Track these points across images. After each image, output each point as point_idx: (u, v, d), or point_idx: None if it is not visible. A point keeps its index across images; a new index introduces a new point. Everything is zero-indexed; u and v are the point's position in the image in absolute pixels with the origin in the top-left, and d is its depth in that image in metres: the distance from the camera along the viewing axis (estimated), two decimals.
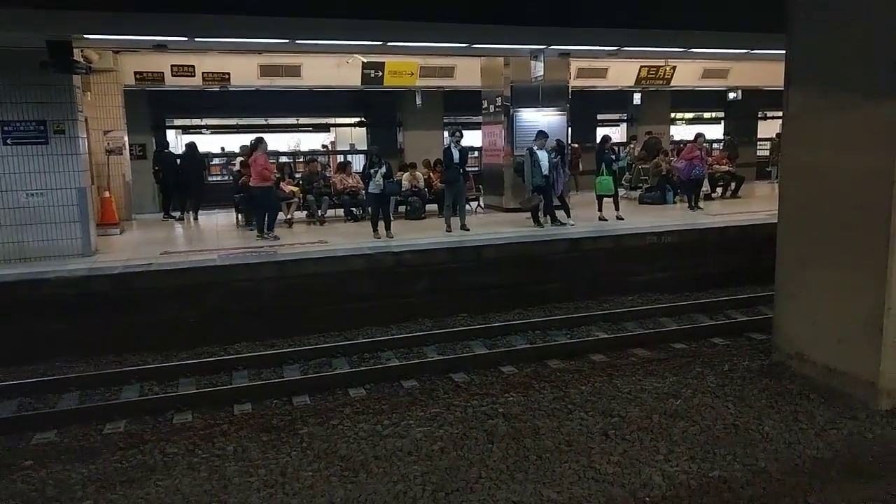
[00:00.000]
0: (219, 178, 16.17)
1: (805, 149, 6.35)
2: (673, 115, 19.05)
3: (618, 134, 18.91)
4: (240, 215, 11.95)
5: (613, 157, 12.29)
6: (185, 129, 16.22)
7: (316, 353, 7.62)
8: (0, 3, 6.39)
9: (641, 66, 15.57)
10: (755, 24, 8.14)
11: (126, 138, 12.88)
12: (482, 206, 13.49)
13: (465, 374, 7.00)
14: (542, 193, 11.05)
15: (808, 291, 6.34)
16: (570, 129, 13.35)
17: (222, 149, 16.65)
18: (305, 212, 12.22)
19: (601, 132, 16.07)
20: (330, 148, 17.51)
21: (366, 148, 15.37)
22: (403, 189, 12.31)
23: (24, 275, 8.06)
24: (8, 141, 8.86)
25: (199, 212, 13.17)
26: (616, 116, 19.25)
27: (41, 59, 8.28)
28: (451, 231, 10.63)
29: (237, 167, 13.06)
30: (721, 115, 20.00)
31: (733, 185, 14.70)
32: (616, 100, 17.54)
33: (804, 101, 6.34)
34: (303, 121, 17.11)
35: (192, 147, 13.11)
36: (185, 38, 9.89)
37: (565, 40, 10.33)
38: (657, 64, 15.54)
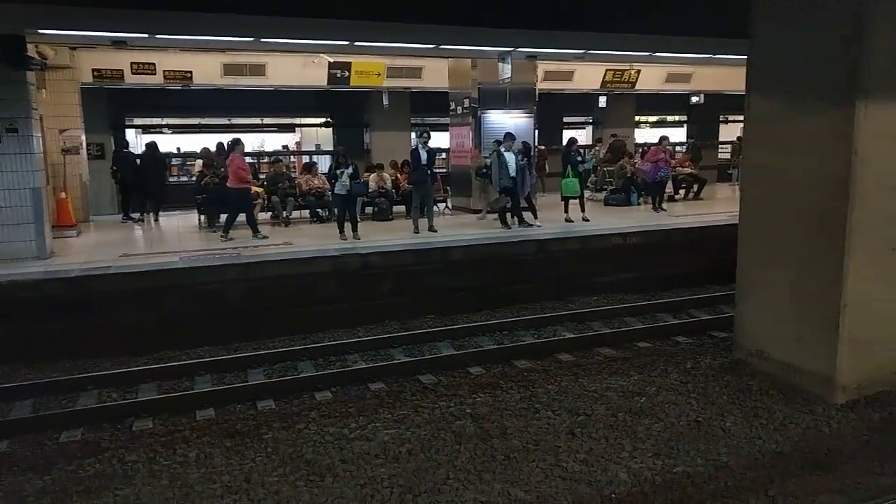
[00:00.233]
0: (178, 179, 15.81)
1: (765, 152, 6.51)
2: (637, 118, 19.37)
3: (584, 136, 19.14)
4: (202, 216, 11.72)
5: (579, 159, 12.45)
6: (146, 129, 15.86)
7: (281, 357, 7.51)
8: None
9: (607, 70, 15.79)
10: (720, 30, 8.32)
11: (83, 137, 12.52)
12: (450, 207, 13.49)
13: (432, 375, 6.98)
14: (509, 195, 11.11)
15: (768, 290, 6.50)
16: (536, 131, 13.46)
17: (178, 149, 16.27)
18: (270, 213, 12.05)
19: (567, 135, 16.23)
20: (291, 148, 17.25)
21: (332, 148, 15.24)
22: (370, 190, 12.23)
23: None
24: None
25: (161, 213, 12.87)
26: (582, 119, 19.49)
27: None
28: (418, 232, 10.61)
29: (199, 168, 12.81)
30: (684, 118, 20.41)
31: (696, 187, 15.00)
32: (582, 103, 17.75)
33: (764, 106, 6.50)
34: (267, 121, 16.89)
35: (152, 147, 12.81)
36: (146, 35, 9.68)
37: (532, 43, 10.42)
38: (622, 68, 15.78)
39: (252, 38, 9.99)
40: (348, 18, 7.69)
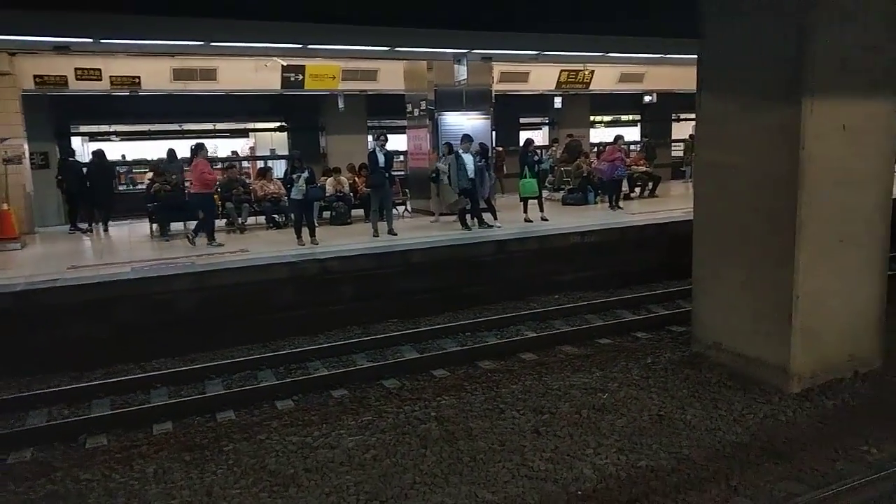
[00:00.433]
0: (127, 188, 15.32)
1: (717, 150, 6.67)
2: (592, 118, 19.65)
3: (540, 137, 19.32)
4: (154, 225, 11.39)
5: (536, 159, 12.54)
6: (93, 136, 15.32)
7: (240, 367, 7.34)
8: None
9: (562, 71, 15.97)
10: (673, 31, 8.46)
11: (26, 146, 12.05)
12: (409, 210, 13.44)
13: (396, 379, 6.91)
14: (468, 196, 11.12)
15: (724, 284, 6.65)
16: (494, 132, 13.51)
17: (123, 156, 15.76)
18: (225, 220, 11.79)
19: (524, 135, 16.36)
20: (243, 154, 16.90)
21: (288, 153, 15.00)
22: (328, 194, 12.10)
23: None
24: None
25: (110, 223, 12.45)
26: (538, 120, 19.65)
27: None
28: (378, 236, 10.53)
29: (150, 175, 12.44)
30: (638, 117, 20.80)
31: (650, 184, 15.29)
32: (538, 103, 17.92)
33: (715, 105, 6.66)
34: (220, 126, 16.50)
35: (99, 155, 12.38)
36: (91, 40, 9.35)
37: (488, 44, 10.44)
38: (577, 68, 15.98)
39: (203, 42, 9.74)
40: (301, 21, 7.56)
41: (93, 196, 12.20)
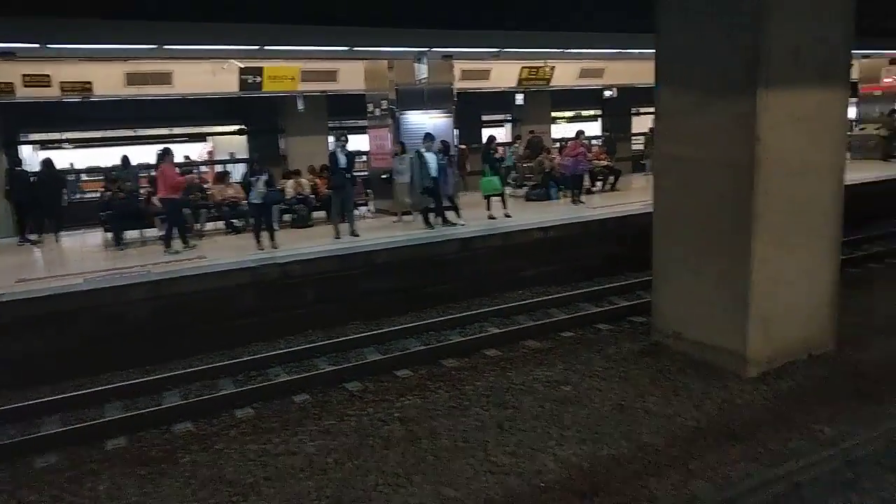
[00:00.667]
0: (76, 196, 14.84)
1: (675, 143, 6.74)
2: (554, 114, 19.76)
3: (503, 134, 19.38)
4: (108, 234, 11.08)
5: (497, 156, 12.54)
6: (44, 144, 14.85)
7: (198, 376, 7.16)
8: None
9: (523, 68, 16.02)
10: (631, 26, 8.52)
11: None
12: (372, 210, 13.33)
13: (359, 382, 6.82)
14: (431, 195, 11.07)
15: (683, 275, 6.73)
16: (456, 130, 13.48)
17: (71, 165, 15.29)
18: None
19: (486, 133, 16.37)
20: (196, 158, 16.55)
21: (248, 156, 14.77)
22: (289, 197, 11.93)
23: None
24: None
25: (61, 233, 12.07)
26: (500, 117, 19.71)
27: None
28: (340, 237, 10.40)
29: (105, 183, 12.11)
30: (598, 112, 21.01)
31: (612, 178, 15.44)
32: (500, 101, 17.95)
33: (672, 99, 6.73)
34: (176, 130, 16.14)
35: (48, 164, 12.00)
36: (37, 45, 9.05)
37: (448, 43, 10.40)
38: (537, 65, 16.05)
39: (154, 45, 9.51)
40: (257, 22, 7.40)
41: (42, 206, 11.82)
